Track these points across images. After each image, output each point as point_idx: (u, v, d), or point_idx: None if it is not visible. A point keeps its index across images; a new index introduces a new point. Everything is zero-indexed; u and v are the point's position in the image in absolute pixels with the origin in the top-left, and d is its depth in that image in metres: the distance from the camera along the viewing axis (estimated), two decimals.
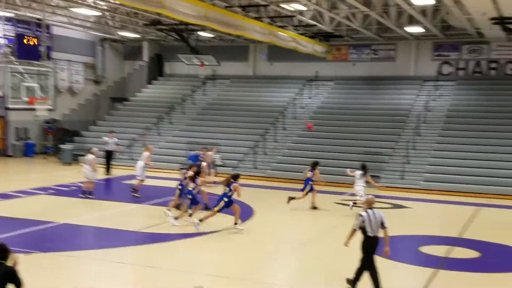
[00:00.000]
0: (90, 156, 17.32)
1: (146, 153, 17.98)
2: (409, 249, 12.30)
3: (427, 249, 11.98)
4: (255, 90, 30.60)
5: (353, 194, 16.54)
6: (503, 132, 22.98)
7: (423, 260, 11.25)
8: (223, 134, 26.04)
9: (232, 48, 31.46)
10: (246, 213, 14.83)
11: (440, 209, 17.78)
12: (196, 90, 31.31)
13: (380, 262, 10.83)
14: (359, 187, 15.72)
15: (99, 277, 9.77)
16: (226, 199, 12.98)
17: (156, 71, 33.89)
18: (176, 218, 13.51)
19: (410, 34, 25.65)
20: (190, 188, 13.74)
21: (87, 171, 17.07)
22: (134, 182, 18.12)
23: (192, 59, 28.92)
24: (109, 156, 23.16)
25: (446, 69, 27.75)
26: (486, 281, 10.08)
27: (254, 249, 11.94)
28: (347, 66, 29.55)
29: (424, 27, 23.67)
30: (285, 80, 30.58)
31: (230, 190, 13.01)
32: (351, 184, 18.81)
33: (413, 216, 16.23)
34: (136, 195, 17.34)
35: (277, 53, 29.27)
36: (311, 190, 16.26)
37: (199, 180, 13.86)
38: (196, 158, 23.28)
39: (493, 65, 26.90)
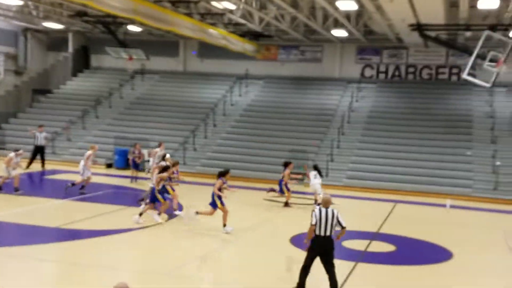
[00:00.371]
0: (10, 154, 16.78)
1: (89, 152, 17.53)
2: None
3: (348, 244, 12.59)
4: (185, 86, 30.49)
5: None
6: (420, 133, 24.41)
7: (345, 254, 11.80)
8: (152, 130, 25.80)
9: (162, 43, 31.16)
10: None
11: (361, 205, 18.70)
12: (124, 84, 30.72)
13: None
14: (316, 185, 16.53)
15: (17, 275, 9.48)
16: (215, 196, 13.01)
17: (81, 63, 32.88)
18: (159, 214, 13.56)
19: (336, 37, 26.60)
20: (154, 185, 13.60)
21: (4, 167, 16.53)
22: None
23: (120, 52, 28.37)
24: (38, 151, 22.37)
25: (369, 72, 29.04)
26: (400, 273, 10.79)
27: (181, 244, 12.03)
28: (276, 65, 30.15)
29: (348, 31, 24.64)
30: (216, 77, 30.70)
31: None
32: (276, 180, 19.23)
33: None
34: (81, 191, 17.12)
35: (207, 50, 29.34)
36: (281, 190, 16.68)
37: (159, 176, 13.66)
38: (123, 153, 22.96)
39: (411, 69, 28.45)
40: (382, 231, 14.19)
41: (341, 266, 10.75)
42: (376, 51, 28.74)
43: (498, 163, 21.26)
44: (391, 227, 14.68)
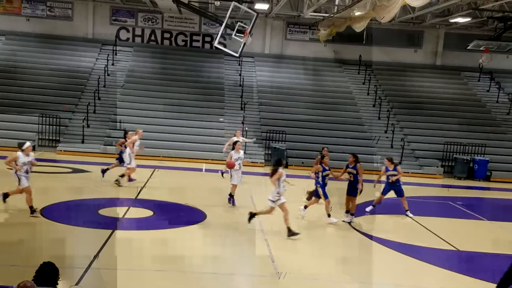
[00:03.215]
0: None
1: (135, 137, 14.95)
2: (89, 213, 12.35)
3: (105, 212, 12.23)
4: None
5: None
6: (178, 99, 24.92)
7: (101, 223, 11.41)
8: None
9: None
10: None
11: (120, 172, 18.23)
12: None
13: (60, 228, 10.61)
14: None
15: None
16: None
17: None
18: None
19: None
20: None
21: None
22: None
23: None
24: None
25: (124, 35, 28.33)
26: (156, 236, 10.90)
27: None
28: (21, 20, 27.25)
29: None
30: None
31: None
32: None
33: (94, 180, 16.18)
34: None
35: None
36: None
37: None
38: None
39: (166, 35, 28.74)
40: (141, 197, 14.16)
41: (98, 234, 10.42)
42: (131, 14, 28.17)
43: (246, 128, 23.17)
44: (149, 193, 14.75)
